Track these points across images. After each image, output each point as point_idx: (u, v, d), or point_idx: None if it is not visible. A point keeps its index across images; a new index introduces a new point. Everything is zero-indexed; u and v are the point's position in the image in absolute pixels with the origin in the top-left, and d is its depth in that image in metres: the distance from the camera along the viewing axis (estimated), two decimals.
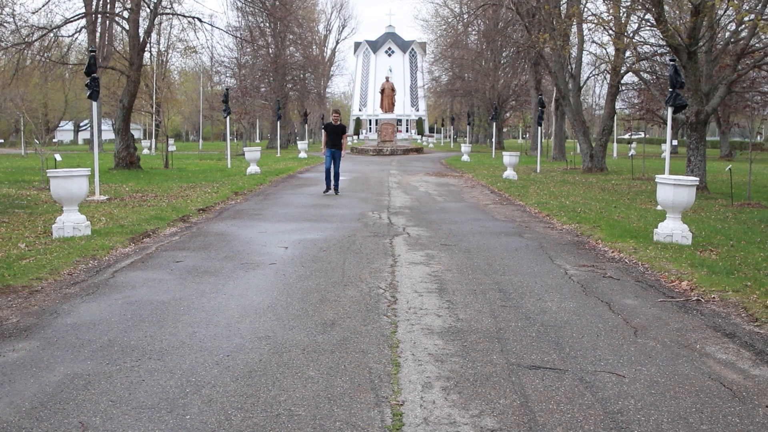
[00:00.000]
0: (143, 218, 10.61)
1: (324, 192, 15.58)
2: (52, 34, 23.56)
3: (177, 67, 55.42)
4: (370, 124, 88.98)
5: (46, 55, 24.86)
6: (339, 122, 15.94)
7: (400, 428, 3.43)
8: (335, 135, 15.77)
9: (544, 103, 25.20)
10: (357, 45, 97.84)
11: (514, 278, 6.85)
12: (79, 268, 7.22)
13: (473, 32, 50.20)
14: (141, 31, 23.32)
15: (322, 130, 16.03)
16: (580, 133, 24.44)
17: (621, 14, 19.31)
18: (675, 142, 41.91)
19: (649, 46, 22.38)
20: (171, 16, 26.57)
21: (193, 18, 24.50)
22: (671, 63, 12.62)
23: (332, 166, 15.58)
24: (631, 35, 21.02)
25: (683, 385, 4.04)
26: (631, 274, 7.18)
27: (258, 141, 63.62)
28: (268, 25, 45.54)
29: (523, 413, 3.61)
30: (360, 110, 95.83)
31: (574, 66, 26.34)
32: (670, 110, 12.56)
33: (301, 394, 3.84)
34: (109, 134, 55.22)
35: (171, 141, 35.14)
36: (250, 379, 4.07)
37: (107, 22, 32.30)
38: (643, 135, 58.05)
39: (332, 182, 15.62)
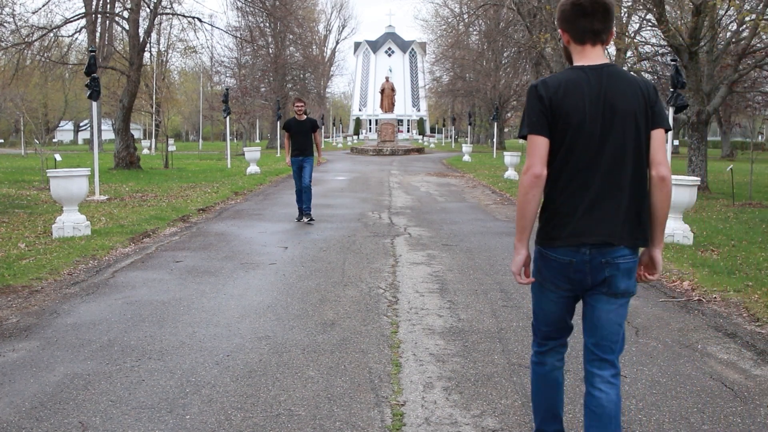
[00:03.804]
0: (143, 218, 10.61)
1: (298, 220, 10.84)
2: (52, 34, 23.58)
3: (177, 67, 55.41)
4: (370, 124, 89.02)
5: (46, 55, 24.87)
6: (305, 116, 10.98)
7: (400, 428, 3.42)
8: (302, 135, 10.76)
9: None
10: (357, 45, 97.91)
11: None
12: (79, 268, 7.21)
13: (474, 32, 50.18)
14: (141, 31, 23.32)
15: (284, 131, 11.22)
16: None
17: (622, 14, 19.29)
18: (676, 142, 41.90)
19: (650, 46, 22.37)
20: (171, 16, 26.57)
21: (193, 18, 24.52)
22: (672, 63, 12.62)
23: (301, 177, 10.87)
24: (632, 35, 21.01)
25: (685, 385, 4.03)
26: None
27: (258, 141, 63.63)
28: (268, 25, 45.54)
29: (525, 413, 3.59)
30: (360, 110, 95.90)
31: None
32: (671, 110, 12.55)
33: (301, 394, 3.83)
34: (109, 134, 55.23)
35: (171, 141, 35.17)
36: (250, 379, 4.06)
37: (107, 22, 32.29)
38: None
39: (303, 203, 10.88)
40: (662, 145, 2.59)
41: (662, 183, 2.57)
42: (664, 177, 2.56)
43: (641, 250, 2.66)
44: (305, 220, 10.70)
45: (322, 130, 64.48)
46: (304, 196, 10.73)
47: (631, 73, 2.75)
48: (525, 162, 2.60)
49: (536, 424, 2.89)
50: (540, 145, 2.55)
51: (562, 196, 2.57)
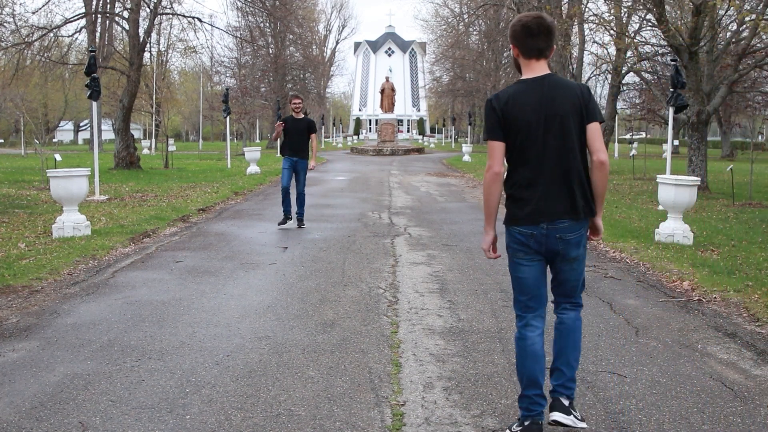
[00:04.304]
0: (143, 218, 10.61)
1: (279, 224, 10.16)
2: (52, 34, 23.59)
3: (177, 67, 55.34)
4: (370, 124, 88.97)
5: (46, 55, 24.88)
6: (303, 114, 10.37)
7: (400, 428, 3.42)
8: (298, 135, 10.16)
9: None
10: (357, 45, 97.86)
11: None
12: (79, 268, 7.21)
13: (474, 32, 50.18)
14: (141, 31, 23.32)
15: (276, 128, 10.50)
16: None
17: (622, 14, 19.30)
18: (676, 142, 41.90)
19: (650, 46, 22.36)
20: (171, 16, 26.57)
21: (193, 18, 24.51)
22: (672, 63, 12.61)
23: (294, 183, 10.26)
24: (632, 35, 21.00)
25: (685, 385, 4.03)
26: (633, 274, 7.17)
27: (258, 141, 63.62)
28: (268, 25, 45.52)
29: None
30: (360, 110, 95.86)
31: (575, 66, 26.31)
32: (671, 110, 12.55)
33: (301, 394, 3.83)
34: (109, 134, 55.19)
35: (171, 141, 35.16)
36: (250, 379, 4.06)
37: (107, 22, 32.30)
38: (644, 135, 58.03)
39: (292, 207, 10.27)
40: (599, 135, 3.19)
41: (601, 166, 3.18)
42: (603, 161, 3.17)
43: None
44: (297, 225, 10.18)
45: (322, 131, 64.45)
46: (297, 202, 10.19)
47: (568, 78, 3.34)
48: (486, 162, 3.24)
49: (521, 388, 3.32)
50: (497, 148, 3.20)
51: (520, 186, 3.22)
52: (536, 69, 3.21)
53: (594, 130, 3.17)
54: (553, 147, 3.14)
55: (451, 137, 65.43)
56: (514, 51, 3.26)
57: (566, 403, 3.25)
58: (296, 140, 10.15)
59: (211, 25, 41.31)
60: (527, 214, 3.18)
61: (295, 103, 10.17)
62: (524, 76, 3.24)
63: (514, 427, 3.29)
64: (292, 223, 10.26)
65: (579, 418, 3.26)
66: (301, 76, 52.80)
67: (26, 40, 22.00)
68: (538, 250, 3.22)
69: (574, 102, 3.15)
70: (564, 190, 3.17)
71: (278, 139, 10.61)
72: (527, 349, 3.28)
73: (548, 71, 3.22)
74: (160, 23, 34.46)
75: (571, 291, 3.36)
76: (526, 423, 3.25)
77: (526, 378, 3.27)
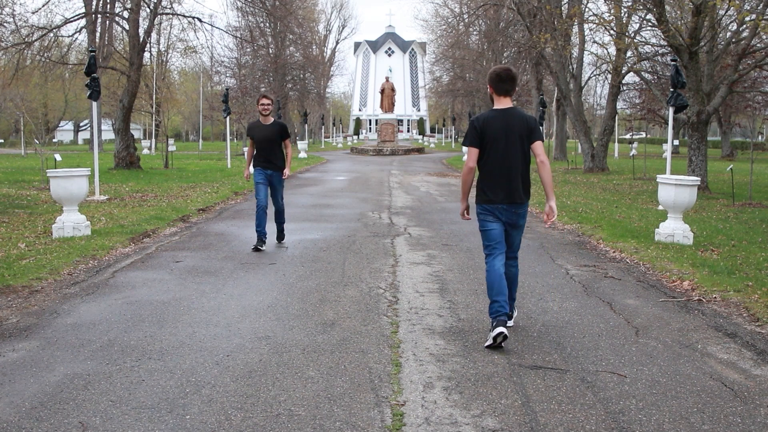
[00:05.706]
0: (143, 218, 10.61)
1: (254, 248, 8.27)
2: (52, 34, 23.58)
3: (177, 67, 55.33)
4: (370, 124, 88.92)
5: (46, 55, 24.86)
6: (273, 119, 8.59)
7: (400, 428, 3.42)
8: (267, 143, 8.51)
9: (546, 103, 25.19)
10: (357, 45, 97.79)
11: None
12: (79, 268, 7.21)
13: (474, 32, 50.13)
14: (141, 31, 23.32)
15: (248, 138, 8.74)
16: (582, 133, 24.42)
17: (622, 14, 19.29)
18: (676, 142, 41.87)
19: (650, 46, 22.36)
20: (171, 16, 26.59)
21: (193, 18, 24.51)
22: (672, 63, 12.61)
23: (270, 197, 8.74)
24: (632, 35, 21.00)
25: (685, 385, 4.03)
26: (633, 274, 7.17)
27: None
28: (268, 25, 45.50)
29: (525, 413, 3.60)
30: (360, 110, 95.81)
31: (575, 66, 26.32)
32: (671, 110, 12.55)
33: (301, 394, 3.83)
34: (109, 134, 55.24)
35: (171, 141, 35.14)
36: (250, 379, 4.06)
37: (107, 22, 32.29)
38: (644, 135, 58.01)
39: (269, 225, 8.68)
40: (541, 147, 4.85)
41: (543, 165, 4.86)
42: (543, 162, 4.86)
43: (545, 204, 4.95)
44: (277, 241, 8.81)
45: (322, 131, 64.40)
46: (276, 218, 8.80)
47: (523, 110, 5.11)
48: (465, 160, 4.88)
49: (491, 298, 4.74)
50: (474, 152, 4.85)
51: (487, 179, 4.87)
52: (503, 103, 4.85)
53: (538, 145, 4.84)
54: (509, 155, 4.77)
55: (451, 137, 65.40)
56: (489, 89, 4.88)
57: (507, 319, 4.76)
58: (268, 149, 8.54)
59: (211, 25, 41.31)
60: (491, 197, 4.83)
61: (263, 104, 8.45)
62: (495, 107, 4.85)
63: (491, 327, 4.68)
64: (270, 241, 8.73)
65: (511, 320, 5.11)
66: (301, 76, 52.75)
67: (26, 40, 21.99)
68: (499, 218, 4.86)
69: (523, 127, 4.80)
70: (515, 183, 4.81)
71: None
72: (495, 272, 4.77)
73: (511, 105, 4.82)
74: (160, 23, 34.50)
75: (516, 248, 5.07)
76: (496, 321, 4.61)
77: (496, 290, 4.71)
